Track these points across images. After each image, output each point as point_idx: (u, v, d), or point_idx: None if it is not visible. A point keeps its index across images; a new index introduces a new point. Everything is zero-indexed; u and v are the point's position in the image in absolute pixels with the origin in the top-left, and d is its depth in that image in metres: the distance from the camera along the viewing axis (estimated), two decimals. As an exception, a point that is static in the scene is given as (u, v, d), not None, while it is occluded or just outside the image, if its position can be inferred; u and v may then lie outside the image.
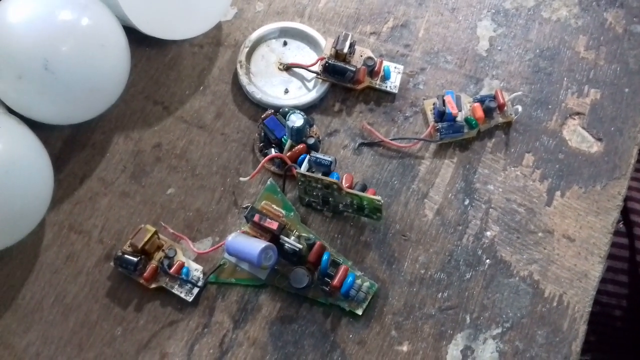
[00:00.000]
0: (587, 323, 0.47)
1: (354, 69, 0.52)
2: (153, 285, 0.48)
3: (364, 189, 0.49)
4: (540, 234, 0.50)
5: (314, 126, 0.53)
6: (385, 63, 0.54)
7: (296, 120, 0.49)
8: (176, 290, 0.47)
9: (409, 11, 0.58)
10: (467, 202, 0.51)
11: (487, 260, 0.49)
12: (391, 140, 0.52)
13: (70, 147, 0.53)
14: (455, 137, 0.52)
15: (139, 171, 0.52)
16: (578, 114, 0.54)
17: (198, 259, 0.49)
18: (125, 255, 0.47)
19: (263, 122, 0.51)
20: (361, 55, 0.54)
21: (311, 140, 0.51)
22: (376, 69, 0.53)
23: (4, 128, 0.45)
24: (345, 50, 0.52)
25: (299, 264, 0.47)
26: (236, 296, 0.48)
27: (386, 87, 0.54)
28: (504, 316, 0.47)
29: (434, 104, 0.53)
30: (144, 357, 0.46)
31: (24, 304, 0.48)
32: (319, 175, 0.48)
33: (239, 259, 0.48)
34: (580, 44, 0.56)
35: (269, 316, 0.47)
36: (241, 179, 0.51)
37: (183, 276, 0.47)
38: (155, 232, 0.48)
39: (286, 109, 0.51)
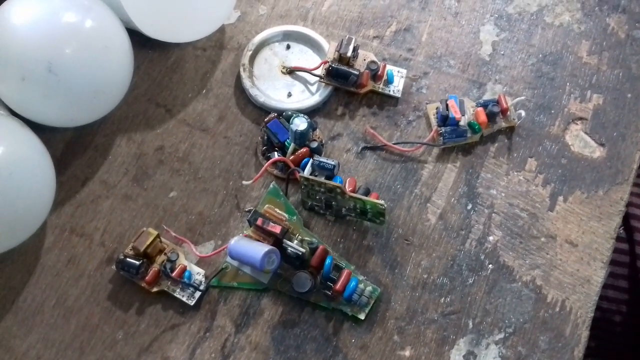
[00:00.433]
0: (589, 329, 0.47)
1: (357, 73, 0.52)
2: (155, 289, 0.47)
3: (367, 193, 0.49)
4: (542, 239, 0.50)
5: (317, 130, 0.53)
6: (389, 67, 0.54)
7: (300, 123, 0.49)
8: (178, 294, 0.47)
9: (412, 15, 0.58)
10: (469, 206, 0.51)
11: (490, 265, 0.49)
12: (394, 144, 0.52)
13: (73, 149, 0.53)
14: (458, 141, 0.52)
15: (141, 174, 0.52)
16: (581, 119, 0.54)
17: (200, 262, 0.49)
18: (127, 259, 0.47)
19: (266, 126, 0.51)
20: (364, 59, 0.54)
21: (314, 144, 0.51)
22: (379, 72, 0.53)
23: (6, 130, 0.45)
24: (349, 54, 0.52)
25: (301, 268, 0.47)
26: (238, 300, 0.48)
27: (389, 91, 0.54)
28: (506, 321, 0.47)
29: (437, 108, 0.53)
30: (146, 360, 0.46)
31: (25, 307, 0.48)
32: (322, 179, 0.48)
33: (242, 263, 0.48)
34: (583, 49, 0.56)
35: (271, 320, 0.47)
36: (244, 182, 0.51)
37: (185, 280, 0.47)
38: (158, 236, 0.48)
39: (289, 113, 0.51)
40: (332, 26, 0.57)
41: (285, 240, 0.47)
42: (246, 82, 0.54)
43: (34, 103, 0.47)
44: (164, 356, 0.46)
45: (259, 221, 0.47)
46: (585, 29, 0.57)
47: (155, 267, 0.47)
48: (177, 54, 0.56)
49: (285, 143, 0.51)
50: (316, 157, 0.49)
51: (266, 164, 0.50)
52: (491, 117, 0.52)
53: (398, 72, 0.54)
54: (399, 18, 0.58)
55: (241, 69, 0.54)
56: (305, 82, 0.55)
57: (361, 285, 0.47)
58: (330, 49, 0.54)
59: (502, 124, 0.52)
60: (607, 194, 0.51)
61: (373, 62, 0.53)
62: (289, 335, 0.47)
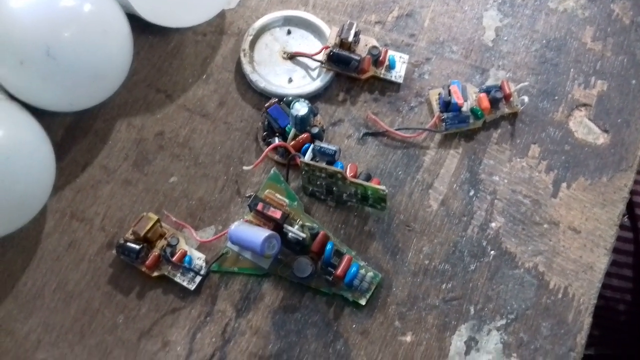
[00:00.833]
0: (592, 316, 0.47)
1: (358, 58, 0.52)
2: (155, 274, 0.47)
3: (368, 178, 0.49)
4: (545, 226, 0.49)
5: (318, 115, 0.52)
6: (390, 52, 0.53)
7: (301, 108, 0.49)
8: (178, 278, 0.47)
9: (415, 1, 0.57)
10: (472, 193, 0.50)
11: (492, 252, 0.49)
12: (396, 130, 0.52)
13: (72, 134, 0.53)
14: (460, 127, 0.51)
15: (142, 159, 0.52)
16: (584, 105, 0.53)
17: (201, 247, 0.49)
18: (128, 243, 0.47)
19: (267, 111, 0.51)
20: (366, 45, 0.54)
21: (315, 130, 0.50)
22: (381, 58, 0.53)
23: (5, 114, 0.45)
24: (350, 39, 0.52)
25: (302, 253, 0.47)
26: (239, 285, 0.48)
27: (391, 76, 0.53)
28: (508, 307, 0.47)
29: (439, 94, 0.52)
30: (146, 344, 0.46)
31: (25, 291, 0.48)
32: (323, 165, 0.47)
33: (242, 248, 0.47)
34: (587, 35, 0.56)
35: (271, 305, 0.47)
36: (244, 167, 0.50)
37: (185, 264, 0.47)
38: (158, 220, 0.48)
39: (290, 98, 0.51)
40: (334, 11, 0.57)
41: (285, 225, 0.46)
42: (247, 68, 0.53)
43: (33, 87, 0.47)
44: (164, 340, 0.46)
45: (260, 206, 0.46)
46: (589, 14, 0.57)
47: (155, 252, 0.47)
48: (177, 39, 0.56)
49: (286, 128, 0.50)
50: (317, 143, 0.49)
51: (267, 150, 0.50)
52: (494, 103, 0.51)
53: (400, 57, 0.54)
54: (401, 3, 0.57)
55: (241, 54, 0.54)
56: (306, 68, 0.54)
57: (362, 271, 0.47)
58: (331, 34, 0.53)
59: (505, 110, 0.52)
60: (610, 180, 0.51)
61: (375, 47, 0.53)
62: (290, 320, 0.47)
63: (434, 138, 0.52)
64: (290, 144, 0.50)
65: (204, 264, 0.48)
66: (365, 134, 0.52)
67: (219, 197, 0.51)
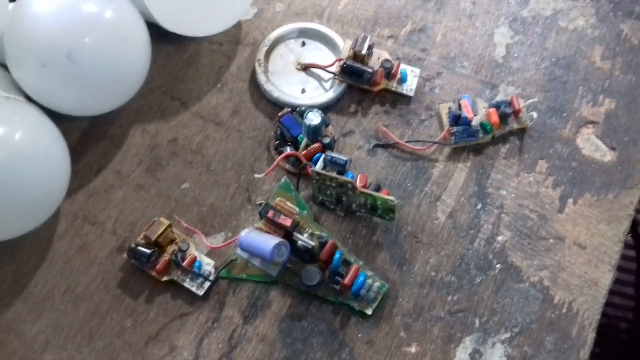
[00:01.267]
0: (595, 331, 0.47)
1: (371, 71, 0.53)
2: (165, 278, 0.48)
3: (378, 189, 0.49)
4: (551, 241, 0.50)
5: (330, 126, 0.53)
6: (403, 66, 0.54)
7: (314, 118, 0.49)
8: (187, 283, 0.48)
9: (427, 16, 0.58)
10: (479, 206, 0.51)
11: (498, 265, 0.49)
12: (406, 142, 0.53)
13: (88, 139, 0.54)
14: (469, 141, 0.52)
15: (155, 165, 0.53)
16: (592, 122, 0.54)
17: (210, 253, 0.49)
18: (139, 247, 0.48)
19: (279, 120, 0.52)
20: (378, 58, 0.54)
21: (327, 140, 0.51)
22: (393, 71, 0.54)
23: (25, 116, 0.46)
24: (364, 51, 0.53)
25: (310, 261, 0.48)
26: (247, 292, 0.48)
27: (402, 90, 0.54)
28: (513, 321, 0.47)
29: (449, 107, 0.53)
30: (153, 349, 0.47)
31: (36, 292, 0.48)
32: (334, 174, 0.48)
33: (252, 255, 0.48)
34: (596, 53, 0.57)
35: (278, 313, 0.48)
36: (256, 175, 0.51)
37: (195, 269, 0.47)
38: (169, 225, 0.48)
39: (303, 108, 0.52)
40: (348, 24, 0.58)
41: (295, 234, 0.47)
42: (261, 77, 0.54)
43: (53, 90, 0.48)
44: (171, 345, 0.47)
45: (270, 213, 0.47)
46: (599, 34, 0.57)
47: (165, 257, 0.48)
48: (193, 48, 0.57)
49: (298, 138, 0.51)
50: (328, 153, 0.50)
51: (279, 158, 0.50)
52: (503, 118, 0.52)
53: (412, 71, 0.54)
54: (414, 18, 0.58)
55: (256, 64, 0.55)
56: (319, 79, 0.55)
57: (369, 281, 0.47)
58: (345, 46, 0.54)
59: (514, 125, 0.53)
60: (617, 197, 0.51)
61: (387, 60, 0.54)
62: (296, 328, 0.47)
63: (443, 151, 0.53)
64: (302, 153, 0.51)
65: (213, 270, 0.48)
66: (376, 146, 0.53)
67: (230, 204, 0.51)
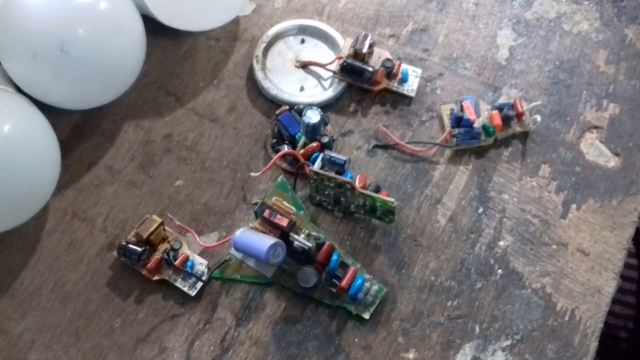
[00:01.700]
0: (598, 340, 0.46)
1: (372, 70, 0.52)
2: (156, 277, 0.46)
3: (377, 190, 0.48)
4: (554, 247, 0.49)
5: (329, 125, 0.52)
6: (404, 66, 0.53)
7: (312, 116, 0.48)
8: (179, 283, 0.46)
9: (429, 16, 0.57)
10: (480, 210, 0.50)
11: (499, 271, 0.48)
12: (406, 143, 0.51)
13: (79, 133, 0.52)
14: (471, 143, 0.51)
15: (148, 161, 0.51)
16: (596, 127, 0.53)
17: (203, 253, 0.48)
18: (130, 245, 0.46)
19: (277, 118, 0.50)
20: (379, 57, 0.53)
21: (325, 139, 0.50)
22: (394, 71, 0.52)
23: (14, 107, 0.45)
24: (365, 50, 0.52)
25: (307, 263, 0.46)
26: (240, 293, 0.47)
27: (403, 90, 0.53)
28: (514, 328, 0.46)
29: (451, 109, 0.52)
30: (142, 350, 0.45)
31: (22, 289, 0.47)
32: (332, 174, 0.47)
33: (246, 255, 0.47)
34: (601, 58, 0.56)
35: (273, 315, 0.46)
36: (252, 174, 0.50)
37: (187, 269, 0.46)
38: (162, 223, 0.47)
39: (301, 106, 0.50)
40: (348, 23, 0.57)
41: (291, 234, 0.45)
42: (259, 74, 0.53)
43: (44, 82, 0.46)
44: (161, 346, 0.45)
45: (266, 213, 0.46)
46: (603, 38, 0.57)
47: (157, 255, 0.46)
48: (189, 43, 0.56)
49: (296, 137, 0.50)
50: (327, 152, 0.49)
51: (276, 157, 0.49)
52: (506, 120, 0.51)
53: (413, 71, 0.53)
54: (416, 18, 0.57)
55: (254, 61, 0.54)
56: (318, 77, 0.54)
57: (367, 284, 0.46)
58: (345, 44, 0.53)
59: (516, 128, 0.52)
60: (620, 204, 0.50)
61: (388, 59, 0.53)
62: (291, 332, 0.46)
63: (444, 153, 0.52)
64: (300, 152, 0.49)
65: (206, 270, 0.47)
66: (375, 146, 0.52)
67: (225, 203, 0.50)
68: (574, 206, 0.50)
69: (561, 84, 0.54)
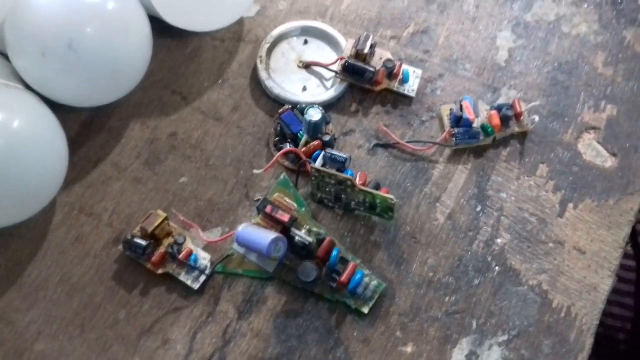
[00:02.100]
0: (593, 336, 0.47)
1: (373, 70, 0.53)
2: (160, 271, 0.47)
3: (377, 187, 0.49)
4: (551, 245, 0.49)
5: (330, 124, 0.53)
6: (405, 66, 0.54)
7: (314, 114, 0.49)
8: (182, 277, 0.47)
9: (430, 18, 0.58)
10: (479, 208, 0.51)
11: (497, 267, 0.49)
12: (406, 142, 0.52)
13: (87, 130, 0.53)
14: (470, 143, 0.52)
15: (153, 158, 0.52)
16: (594, 128, 0.54)
17: (206, 248, 0.49)
18: (135, 239, 0.47)
19: (280, 117, 0.51)
20: (380, 58, 0.54)
21: (327, 137, 0.51)
22: (395, 71, 0.53)
23: (24, 103, 0.46)
24: (366, 50, 0.53)
25: (307, 258, 0.47)
26: (242, 287, 0.48)
27: (404, 90, 0.54)
28: (510, 324, 0.47)
29: (450, 109, 0.53)
30: (146, 341, 0.46)
31: (29, 282, 0.48)
32: (333, 171, 0.48)
33: (248, 249, 0.48)
34: (599, 60, 0.56)
35: (273, 309, 0.47)
36: (255, 171, 0.51)
37: (191, 262, 0.47)
38: (166, 218, 0.48)
39: (303, 105, 0.51)
40: (350, 24, 0.58)
41: (293, 229, 0.47)
42: (262, 74, 0.54)
43: (52, 79, 0.47)
44: (164, 338, 0.46)
45: (268, 208, 0.47)
46: (601, 40, 0.57)
47: (161, 249, 0.47)
48: (195, 44, 0.57)
49: (298, 135, 0.51)
50: (328, 150, 0.50)
51: (278, 154, 0.50)
52: (504, 120, 0.52)
53: (414, 72, 0.54)
54: (417, 20, 0.58)
55: (258, 61, 0.55)
56: (320, 77, 0.55)
57: (366, 279, 0.47)
58: (347, 45, 0.54)
59: (515, 128, 0.53)
60: (617, 203, 0.51)
61: (389, 60, 0.54)
62: (291, 325, 0.47)
63: (443, 153, 0.53)
64: (302, 150, 0.50)
65: (208, 264, 0.48)
66: (376, 145, 0.53)
67: (228, 200, 0.51)
68: (570, 205, 0.51)
69: (559, 85, 0.55)
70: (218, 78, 0.56)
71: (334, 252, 0.47)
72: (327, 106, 0.54)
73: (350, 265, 0.47)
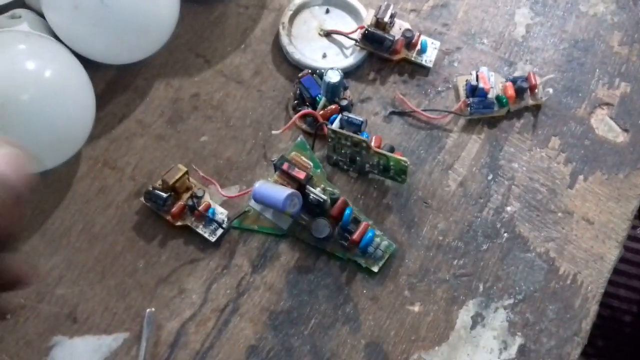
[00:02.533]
0: (598, 304, 0.48)
1: (392, 39, 0.54)
2: (179, 223, 0.49)
3: (391, 150, 0.50)
4: (560, 214, 0.50)
5: (348, 90, 0.54)
6: (423, 37, 0.55)
7: (333, 76, 0.51)
8: (200, 230, 0.49)
9: (450, -7, 0.60)
10: (490, 177, 0.52)
11: (505, 234, 0.50)
12: (422, 110, 0.54)
13: (113, 88, 0.55)
14: (485, 113, 0.53)
15: (176, 117, 0.54)
16: (607, 104, 0.55)
17: (224, 204, 0.50)
18: (156, 191, 0.49)
19: (299, 80, 0.53)
20: (400, 28, 0.56)
21: (344, 102, 0.52)
22: (414, 41, 0.55)
23: (56, 54, 0.48)
24: (386, 19, 0.54)
25: (321, 216, 0.49)
26: (257, 243, 0.49)
27: (422, 60, 0.55)
28: (517, 288, 0.48)
29: (467, 80, 0.54)
30: (163, 290, 0.48)
31: (53, 229, 0.50)
32: (350, 133, 0.49)
33: (265, 205, 0.49)
34: (615, 39, 0.57)
35: (287, 265, 0.49)
36: (273, 131, 0.52)
37: (209, 215, 0.49)
38: (187, 172, 0.50)
39: (323, 70, 0.53)
40: (372, -4, 0.59)
41: (308, 187, 0.48)
42: (284, 40, 0.56)
43: (84, 33, 0.49)
44: (181, 287, 0.48)
45: (285, 166, 0.48)
46: (618, 20, 0.58)
47: (181, 202, 0.49)
48: (220, 10, 0.59)
49: (317, 99, 0.52)
50: (345, 113, 0.51)
51: (296, 115, 0.52)
52: (519, 92, 0.53)
53: (432, 43, 0.56)
54: (437, -6, 0.60)
55: (280, 27, 0.56)
56: (340, 46, 0.56)
57: (377, 239, 0.48)
58: (368, 15, 0.56)
59: (529, 101, 0.54)
60: (627, 177, 0.52)
61: (408, 30, 0.55)
62: (303, 280, 0.48)
63: (458, 122, 0.54)
64: (319, 113, 0.52)
65: (226, 219, 0.49)
66: (392, 113, 0.54)
67: (246, 159, 0.52)
68: (581, 177, 0.52)
69: (575, 62, 0.56)
70: (241, 43, 0.57)
71: (347, 211, 0.48)
72: (346, 73, 0.55)
73: (363, 225, 0.48)
